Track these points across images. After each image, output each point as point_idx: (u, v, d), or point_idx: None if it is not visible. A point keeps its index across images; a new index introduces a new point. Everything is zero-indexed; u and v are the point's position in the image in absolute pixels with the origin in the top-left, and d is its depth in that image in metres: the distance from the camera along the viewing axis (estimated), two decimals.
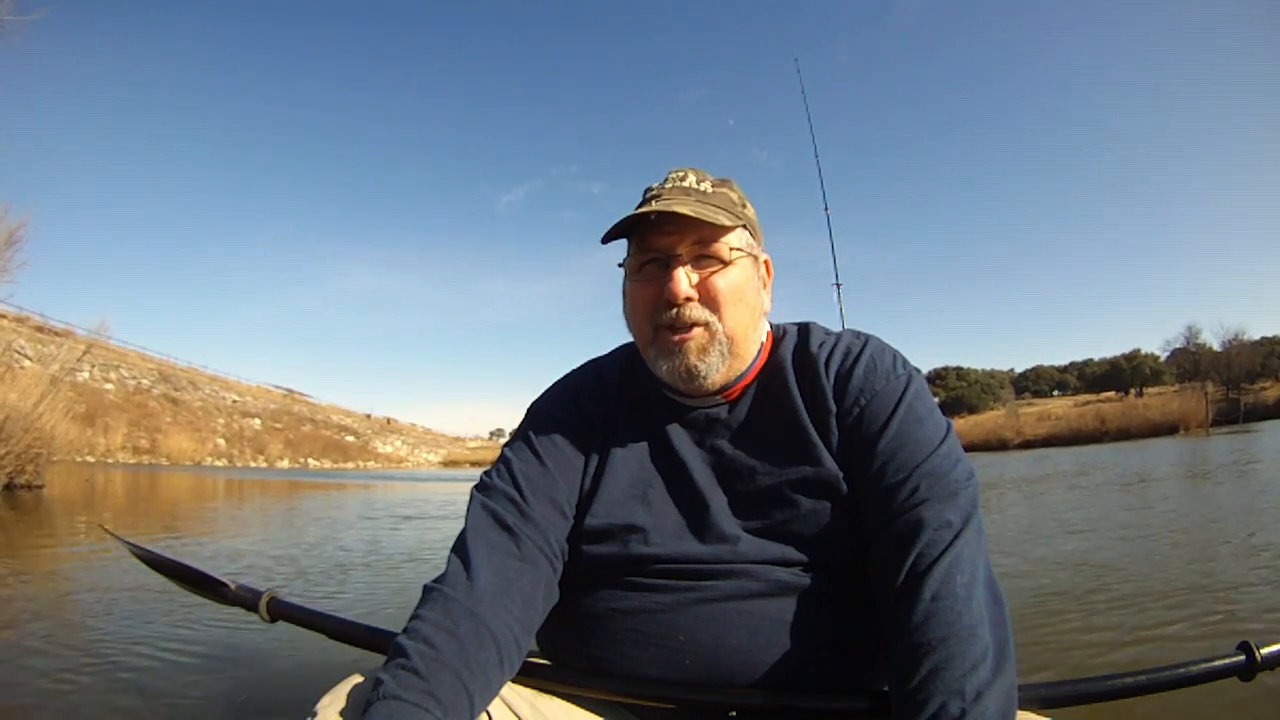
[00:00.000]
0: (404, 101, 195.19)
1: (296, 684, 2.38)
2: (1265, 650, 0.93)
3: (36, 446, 10.50)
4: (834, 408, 0.94)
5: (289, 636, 2.76)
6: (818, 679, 0.85)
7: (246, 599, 1.24)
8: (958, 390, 71.05)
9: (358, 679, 0.80)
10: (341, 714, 0.76)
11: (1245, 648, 0.93)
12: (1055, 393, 72.32)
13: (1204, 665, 0.93)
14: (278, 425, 47.86)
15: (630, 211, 0.95)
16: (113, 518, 8.66)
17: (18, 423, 9.99)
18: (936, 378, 76.41)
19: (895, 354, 0.99)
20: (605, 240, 0.98)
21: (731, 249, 0.96)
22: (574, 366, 1.14)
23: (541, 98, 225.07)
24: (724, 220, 0.93)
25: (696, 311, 0.94)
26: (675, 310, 0.94)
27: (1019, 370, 76.93)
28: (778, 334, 1.06)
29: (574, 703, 0.90)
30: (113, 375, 38.87)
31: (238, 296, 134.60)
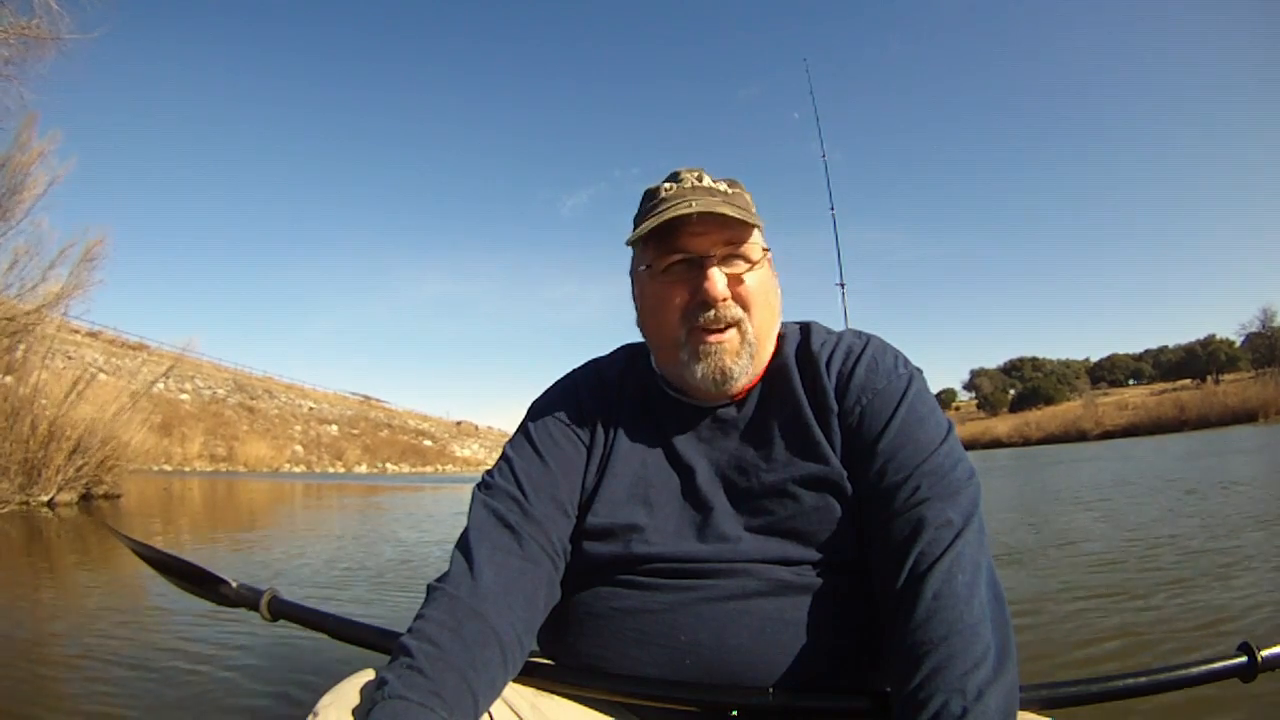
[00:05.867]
0: (468, 110, 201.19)
1: (298, 684, 2.38)
2: (1266, 651, 0.90)
3: (114, 458, 10.88)
4: (836, 407, 0.94)
5: (290, 636, 2.78)
6: (819, 678, 0.85)
7: (247, 598, 1.25)
8: (1034, 381, 68.92)
9: (359, 678, 0.80)
10: (344, 713, 0.76)
11: (1246, 648, 0.91)
12: (1131, 381, 69.82)
13: (1204, 666, 0.90)
14: (355, 431, 48.66)
15: (657, 214, 0.95)
16: (189, 523, 9.00)
17: (95, 435, 10.34)
18: (1012, 369, 74.35)
19: (896, 353, 0.99)
20: (631, 242, 1.00)
21: (761, 249, 0.98)
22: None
23: (601, 102, 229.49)
24: (754, 220, 0.94)
25: (732, 310, 0.95)
26: (713, 310, 0.94)
27: (1094, 359, 74.55)
28: (780, 333, 1.06)
29: (575, 702, 0.90)
30: (188, 385, 40.17)
31: (312, 308, 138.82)
